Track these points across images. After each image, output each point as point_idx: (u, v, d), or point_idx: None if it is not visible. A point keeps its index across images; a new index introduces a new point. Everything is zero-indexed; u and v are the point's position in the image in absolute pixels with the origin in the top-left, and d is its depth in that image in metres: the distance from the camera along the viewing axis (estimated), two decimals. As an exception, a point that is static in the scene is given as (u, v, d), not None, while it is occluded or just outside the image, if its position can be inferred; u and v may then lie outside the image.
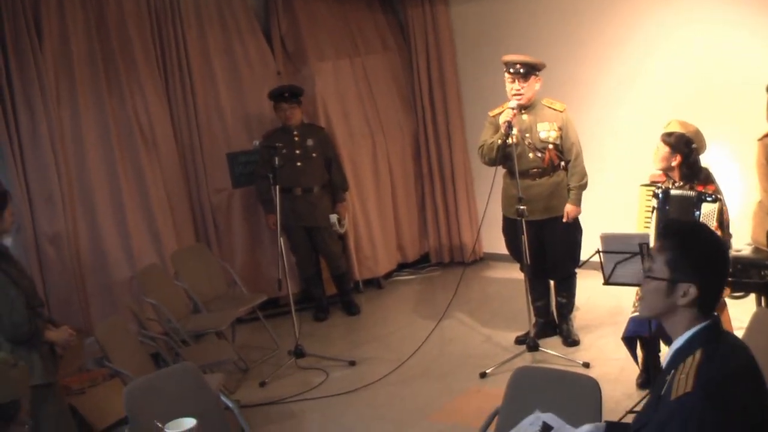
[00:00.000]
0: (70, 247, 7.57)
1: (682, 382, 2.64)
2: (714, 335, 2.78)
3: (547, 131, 6.86)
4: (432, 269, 10.09)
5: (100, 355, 6.75)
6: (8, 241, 5.67)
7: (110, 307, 7.67)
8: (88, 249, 7.75)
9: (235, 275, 8.09)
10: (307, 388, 6.97)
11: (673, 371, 2.75)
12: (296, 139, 8.28)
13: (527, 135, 6.87)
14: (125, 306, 7.05)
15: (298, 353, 7.35)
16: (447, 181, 9.91)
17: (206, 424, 3.85)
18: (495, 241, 8.70)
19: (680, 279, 2.78)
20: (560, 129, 6.88)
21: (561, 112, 6.93)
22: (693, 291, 2.76)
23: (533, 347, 6.88)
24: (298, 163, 8.26)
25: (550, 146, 6.87)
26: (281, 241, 7.36)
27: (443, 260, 10.13)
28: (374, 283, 9.63)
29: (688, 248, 2.83)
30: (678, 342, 2.83)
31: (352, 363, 7.37)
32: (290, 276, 7.60)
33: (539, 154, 6.87)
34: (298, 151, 8.26)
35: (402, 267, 10.06)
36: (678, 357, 2.79)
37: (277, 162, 7.29)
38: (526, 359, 6.87)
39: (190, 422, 3.68)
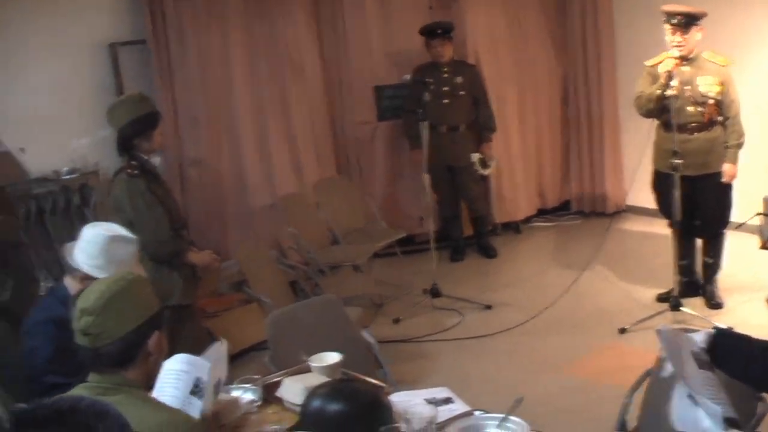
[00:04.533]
0: (212, 171, 7.63)
1: None
2: None
3: (708, 85, 6.55)
4: (572, 218, 9.85)
5: (236, 280, 6.84)
6: (157, 161, 5.72)
7: (248, 234, 7.74)
8: (229, 174, 7.83)
9: (376, 209, 8.04)
10: (441, 328, 6.93)
11: None
12: (445, 75, 8.16)
13: (687, 88, 6.57)
14: (268, 233, 7.08)
15: (434, 292, 7.30)
16: (594, 128, 9.62)
17: (347, 358, 3.80)
18: (638, 194, 8.51)
19: None
20: (722, 84, 6.58)
21: (724, 66, 6.62)
22: None
23: (676, 306, 6.65)
24: (446, 100, 8.13)
25: (711, 101, 6.58)
26: (426, 177, 7.27)
27: (584, 209, 9.89)
28: (512, 227, 9.47)
29: None
30: None
31: (488, 307, 7.29)
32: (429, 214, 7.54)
33: (700, 109, 6.58)
34: (446, 88, 8.13)
35: (541, 213, 9.87)
36: None
37: (426, 97, 7.19)
38: (667, 318, 6.62)
39: (335, 357, 3.64)
